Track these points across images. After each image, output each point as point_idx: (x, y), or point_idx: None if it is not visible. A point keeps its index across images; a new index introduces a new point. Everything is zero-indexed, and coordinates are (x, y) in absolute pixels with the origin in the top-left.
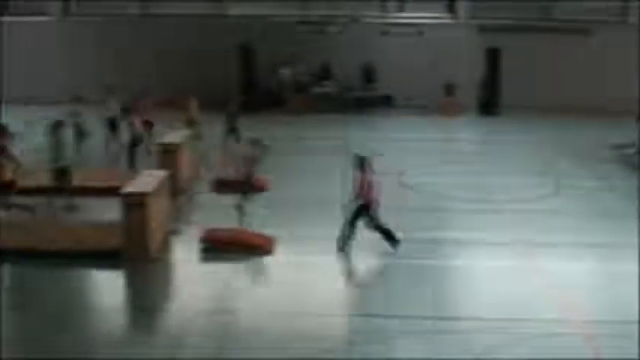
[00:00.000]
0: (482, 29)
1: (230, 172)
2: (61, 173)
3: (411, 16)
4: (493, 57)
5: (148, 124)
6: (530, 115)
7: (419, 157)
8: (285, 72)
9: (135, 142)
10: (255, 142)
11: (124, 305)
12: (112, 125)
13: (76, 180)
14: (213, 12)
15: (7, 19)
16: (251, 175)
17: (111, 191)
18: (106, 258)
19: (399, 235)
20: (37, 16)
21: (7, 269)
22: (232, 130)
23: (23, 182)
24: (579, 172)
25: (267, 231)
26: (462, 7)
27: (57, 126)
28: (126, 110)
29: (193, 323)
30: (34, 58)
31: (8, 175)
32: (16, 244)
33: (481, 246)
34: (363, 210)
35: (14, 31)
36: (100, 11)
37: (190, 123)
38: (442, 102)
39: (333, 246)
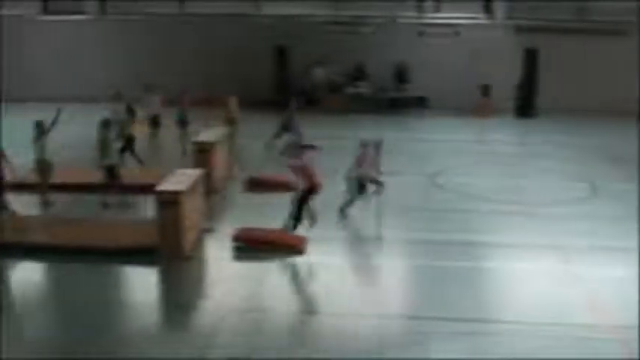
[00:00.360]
0: (519, 30)
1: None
2: (110, 171)
3: (447, 16)
4: (530, 58)
5: (184, 123)
6: (567, 116)
7: (453, 158)
8: (319, 72)
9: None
10: (366, 144)
11: (158, 302)
12: (154, 123)
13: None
14: (249, 12)
15: (46, 17)
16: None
17: (150, 189)
18: (141, 255)
19: (436, 236)
20: (75, 14)
21: (44, 265)
22: (285, 129)
23: (65, 179)
24: (616, 175)
25: (299, 231)
26: (498, 8)
27: (105, 124)
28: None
29: (226, 321)
30: (71, 57)
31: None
32: (53, 240)
33: (515, 249)
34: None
35: (53, 29)
36: (137, 10)
37: (230, 121)
38: (478, 103)
39: (364, 246)
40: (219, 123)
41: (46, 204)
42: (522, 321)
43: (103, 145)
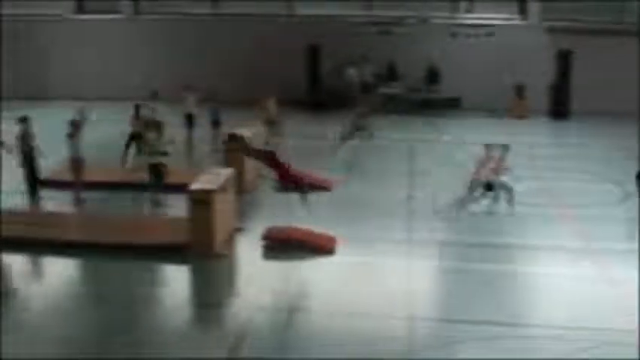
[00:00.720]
0: (553, 31)
1: None
2: (155, 169)
3: (480, 17)
4: (564, 59)
5: (216, 123)
6: (601, 118)
7: None
8: (352, 72)
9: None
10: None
11: (188, 300)
12: (189, 122)
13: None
14: (282, 12)
15: (81, 16)
16: None
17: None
18: (172, 253)
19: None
20: (109, 14)
21: (77, 262)
22: (357, 129)
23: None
24: None
25: (331, 230)
26: (532, 9)
27: (148, 125)
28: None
29: (255, 320)
30: (104, 56)
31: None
32: (86, 237)
33: (549, 251)
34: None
35: (87, 28)
36: (171, 10)
37: (270, 122)
38: (511, 104)
39: (397, 248)
40: (259, 123)
41: (78, 201)
42: (555, 325)
43: (151, 145)
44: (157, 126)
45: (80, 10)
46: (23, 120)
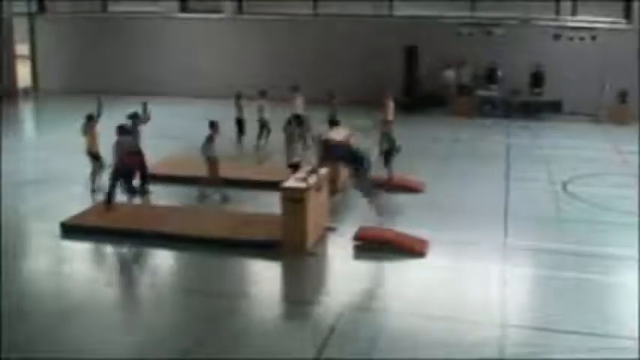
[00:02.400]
0: None
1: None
2: (212, 163)
3: (583, 19)
4: None
5: (333, 123)
6: None
7: (585, 166)
8: (450, 73)
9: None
10: None
11: (278, 296)
12: (299, 122)
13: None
14: (381, 12)
15: (184, 15)
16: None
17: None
18: (264, 249)
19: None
20: (212, 13)
21: (168, 253)
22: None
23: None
24: None
25: (421, 233)
26: (637, 13)
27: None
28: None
29: (344, 319)
30: (204, 54)
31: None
32: (179, 229)
33: None
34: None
35: (189, 27)
36: (272, 10)
37: (384, 122)
38: (614, 110)
39: (488, 253)
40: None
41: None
42: None
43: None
44: (306, 121)
45: (183, 9)
46: (134, 116)
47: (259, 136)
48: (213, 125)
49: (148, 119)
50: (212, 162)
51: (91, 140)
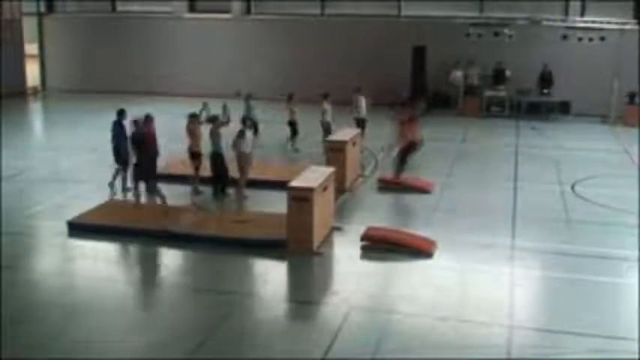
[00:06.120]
0: None
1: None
2: (244, 159)
3: (592, 20)
4: None
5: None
6: None
7: (593, 167)
8: (457, 74)
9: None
10: None
11: (283, 296)
12: (360, 125)
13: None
14: (389, 12)
15: (192, 15)
16: None
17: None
18: (270, 248)
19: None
20: (220, 13)
21: (178, 253)
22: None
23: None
24: None
25: (429, 233)
26: None
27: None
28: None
29: (350, 319)
30: (212, 54)
31: None
32: (190, 230)
33: None
34: None
35: (198, 27)
36: (279, 11)
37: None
38: (623, 111)
39: (496, 254)
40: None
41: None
42: None
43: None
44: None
45: (192, 9)
46: (147, 118)
47: (291, 139)
48: (244, 121)
49: (229, 120)
50: (244, 158)
51: (195, 140)
